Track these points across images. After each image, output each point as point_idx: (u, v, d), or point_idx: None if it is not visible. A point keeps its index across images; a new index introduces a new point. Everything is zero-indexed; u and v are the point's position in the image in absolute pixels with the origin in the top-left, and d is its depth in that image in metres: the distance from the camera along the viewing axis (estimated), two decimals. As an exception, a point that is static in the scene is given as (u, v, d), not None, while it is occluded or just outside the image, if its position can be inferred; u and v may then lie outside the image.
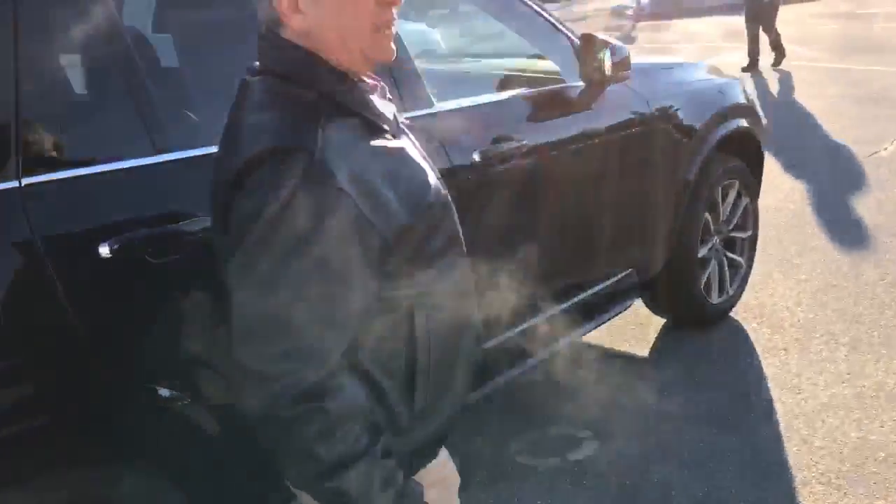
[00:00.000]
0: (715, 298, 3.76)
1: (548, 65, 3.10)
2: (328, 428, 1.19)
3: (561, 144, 2.78)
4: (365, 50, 1.31)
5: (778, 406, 3.15)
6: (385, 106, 1.35)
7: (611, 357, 3.64)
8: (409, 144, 1.39)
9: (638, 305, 3.80)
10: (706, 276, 3.68)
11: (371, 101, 1.32)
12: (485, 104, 2.66)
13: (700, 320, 3.76)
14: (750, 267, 3.98)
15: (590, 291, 3.04)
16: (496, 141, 2.55)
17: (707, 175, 3.50)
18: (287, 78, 1.28)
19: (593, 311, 3.13)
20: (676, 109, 3.29)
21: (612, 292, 3.18)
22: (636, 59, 3.79)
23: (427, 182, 1.34)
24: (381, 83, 1.40)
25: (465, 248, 1.44)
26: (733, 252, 3.87)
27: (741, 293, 3.95)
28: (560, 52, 3.02)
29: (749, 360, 3.51)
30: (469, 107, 2.60)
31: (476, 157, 2.46)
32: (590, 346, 3.71)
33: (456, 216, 1.42)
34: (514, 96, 2.81)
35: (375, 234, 1.22)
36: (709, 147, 3.46)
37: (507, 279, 2.63)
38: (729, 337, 3.73)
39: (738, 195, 3.81)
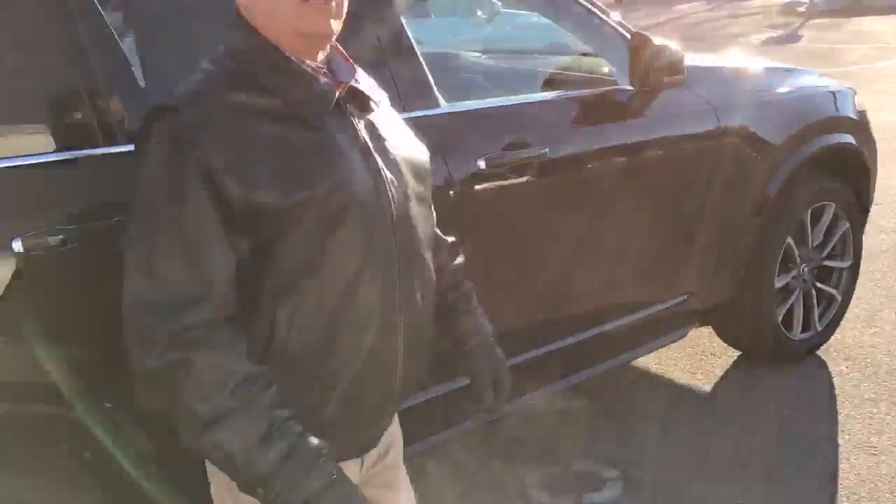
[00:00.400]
0: (797, 334, 3.34)
1: (601, 66, 2.82)
2: (198, 380, 1.21)
3: (594, 155, 2.51)
4: (293, 22, 1.30)
5: (844, 466, 2.74)
6: (317, 93, 1.33)
7: (666, 387, 3.31)
8: (336, 135, 1.34)
9: (712, 334, 3.44)
10: (786, 307, 3.27)
11: (299, 84, 1.32)
12: (504, 106, 2.43)
13: (778, 357, 3.35)
14: (847, 301, 3.52)
15: (628, 318, 2.74)
16: (509, 147, 2.32)
17: (791, 195, 3.09)
18: (230, 51, 1.35)
19: (635, 339, 2.83)
20: (751, 119, 2.91)
21: (658, 319, 2.87)
22: (725, 61, 3.45)
23: (318, 176, 1.29)
24: (327, 69, 1.37)
25: (376, 260, 1.34)
26: (826, 283, 3.43)
27: (833, 330, 3.49)
28: (617, 54, 2.73)
29: (825, 409, 3.08)
30: (483, 108, 2.39)
31: (481, 164, 2.24)
32: (646, 372, 3.40)
33: (379, 224, 1.34)
34: (543, 99, 2.57)
35: (238, 207, 1.24)
36: (794, 164, 3.06)
37: (511, 295, 2.42)
38: (809, 379, 3.30)
39: (836, 219, 3.36)
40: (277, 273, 1.30)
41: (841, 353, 3.47)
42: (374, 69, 2.09)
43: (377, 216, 1.36)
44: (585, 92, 2.63)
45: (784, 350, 3.33)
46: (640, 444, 2.91)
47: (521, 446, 2.89)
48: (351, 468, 1.45)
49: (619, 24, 2.72)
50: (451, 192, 2.19)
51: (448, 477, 2.71)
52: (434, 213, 1.60)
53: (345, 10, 1.37)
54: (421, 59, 2.26)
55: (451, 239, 1.68)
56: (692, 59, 3.18)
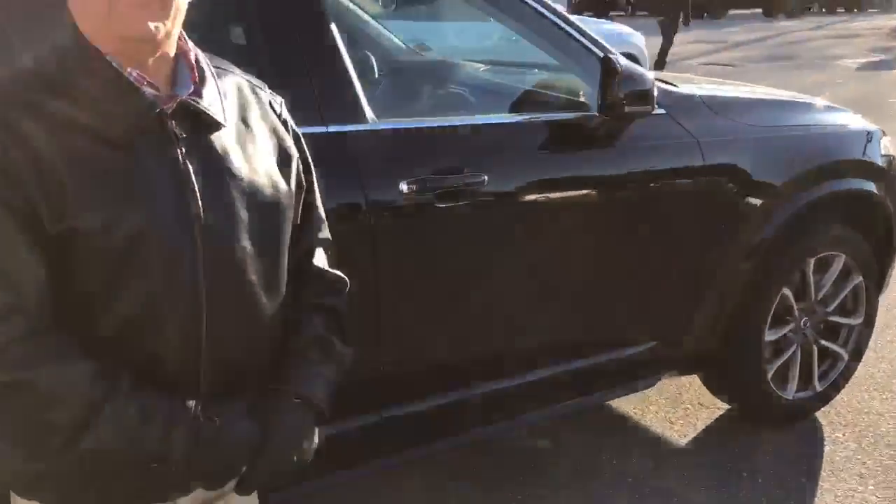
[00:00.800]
0: (790, 392, 3.04)
1: (578, 88, 2.60)
2: (49, 396, 1.14)
3: (540, 186, 2.30)
4: (104, 22, 1.15)
5: (806, 551, 2.47)
6: (131, 107, 1.18)
7: (636, 437, 3.05)
8: (144, 158, 1.19)
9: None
10: (779, 363, 2.99)
11: (112, 95, 1.17)
12: (444, 127, 2.26)
13: (766, 415, 3.07)
14: (856, 361, 3.19)
15: (575, 364, 2.53)
16: (439, 172, 2.15)
17: (787, 243, 2.81)
18: (50, 48, 1.21)
19: (586, 385, 2.61)
20: (744, 156, 2.65)
21: (617, 366, 2.64)
22: (734, 91, 3.18)
23: (102, 203, 1.16)
24: (166, 80, 1.22)
25: (173, 304, 1.21)
26: (833, 340, 3.12)
27: (836, 391, 3.18)
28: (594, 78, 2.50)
29: (804, 481, 2.78)
30: (418, 127, 2.23)
31: (403, 187, 2.08)
32: (621, 417, 3.15)
33: (184, 264, 1.20)
34: (493, 122, 2.38)
35: (22, 216, 1.13)
36: (794, 208, 2.78)
37: (429, 333, 2.26)
38: (795, 444, 3.00)
39: (846, 271, 3.05)
40: (67, 297, 1.18)
41: (842, 417, 3.16)
42: (293, 78, 1.97)
43: (183, 254, 1.20)
44: (545, 116, 2.42)
45: (773, 408, 3.04)
46: (587, 497, 2.68)
47: (473, 484, 2.71)
48: None
49: (599, 45, 2.49)
50: (366, 216, 2.04)
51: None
52: (317, 243, 1.42)
53: (175, 9, 1.18)
54: (350, 69, 2.11)
55: (333, 274, 1.45)
56: (695, 87, 2.95)
